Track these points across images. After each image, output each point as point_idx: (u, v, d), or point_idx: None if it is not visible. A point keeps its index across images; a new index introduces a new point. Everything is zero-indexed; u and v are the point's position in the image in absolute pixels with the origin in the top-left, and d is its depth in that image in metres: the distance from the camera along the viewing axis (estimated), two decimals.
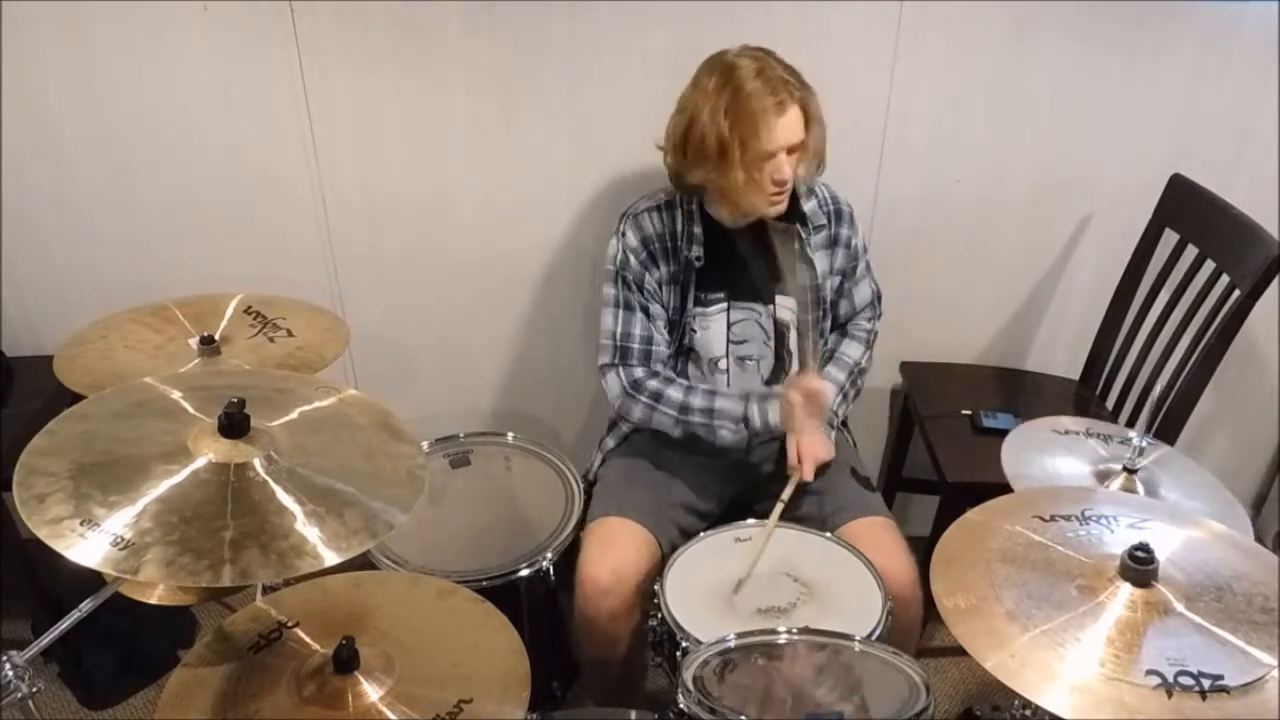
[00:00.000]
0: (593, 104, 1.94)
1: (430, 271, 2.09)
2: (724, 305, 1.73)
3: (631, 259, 1.71)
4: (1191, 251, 1.91)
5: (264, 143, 1.92)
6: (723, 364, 1.75)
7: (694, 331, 1.74)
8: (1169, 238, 1.97)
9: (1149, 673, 1.01)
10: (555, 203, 2.03)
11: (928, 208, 2.08)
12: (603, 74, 1.91)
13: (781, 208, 1.65)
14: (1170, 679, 1.00)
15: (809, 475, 1.69)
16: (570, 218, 2.05)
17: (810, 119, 1.59)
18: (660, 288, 1.73)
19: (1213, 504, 1.43)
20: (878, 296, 1.90)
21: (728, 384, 1.77)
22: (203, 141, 1.91)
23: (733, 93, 1.54)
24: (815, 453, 1.71)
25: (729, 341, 1.75)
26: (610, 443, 1.87)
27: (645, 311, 1.73)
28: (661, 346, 1.74)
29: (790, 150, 1.57)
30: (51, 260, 2.01)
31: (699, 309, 1.73)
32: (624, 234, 1.72)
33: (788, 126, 1.55)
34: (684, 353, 1.77)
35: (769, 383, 1.78)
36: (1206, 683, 0.99)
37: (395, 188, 1.99)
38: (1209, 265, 1.86)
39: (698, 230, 1.71)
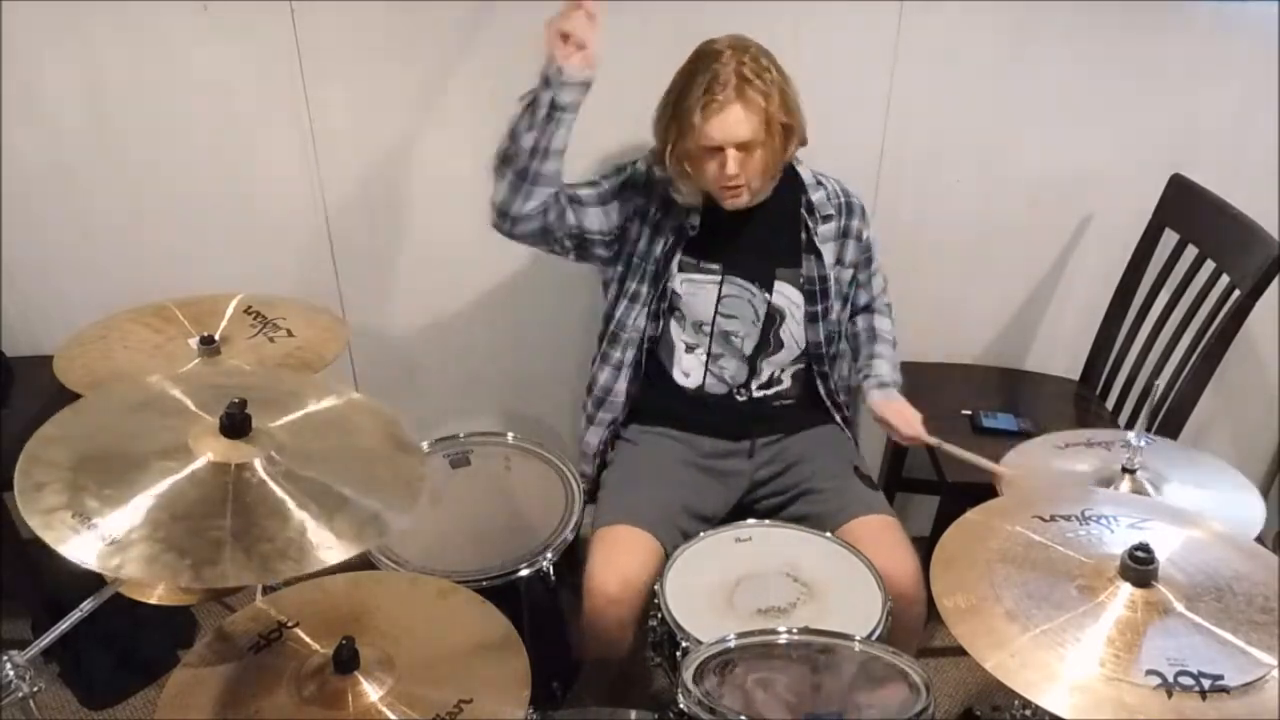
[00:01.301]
0: (594, 104, 1.93)
1: (430, 271, 2.09)
2: (718, 277, 1.73)
3: (627, 169, 1.74)
4: (1191, 251, 1.91)
5: (264, 143, 1.92)
6: (706, 328, 1.76)
7: (678, 294, 1.74)
8: (1169, 238, 1.97)
9: (1149, 673, 1.01)
10: None
11: (928, 207, 2.09)
12: (604, 74, 1.90)
13: (738, 202, 1.65)
14: (1170, 679, 1.00)
15: (924, 433, 1.72)
16: None
17: (767, 120, 1.57)
18: (635, 221, 1.73)
19: (1223, 490, 1.43)
20: (885, 280, 1.94)
21: (709, 349, 1.77)
22: (203, 142, 1.91)
23: (683, 81, 1.59)
24: (913, 417, 1.74)
25: (717, 313, 1.75)
26: (607, 416, 1.84)
27: (598, 197, 1.72)
28: (579, 217, 1.71)
29: (740, 147, 1.57)
30: (51, 260, 2.01)
31: (685, 274, 1.74)
32: (636, 162, 1.74)
33: (724, 125, 1.56)
34: (670, 313, 1.77)
35: (750, 359, 1.78)
36: (1206, 683, 0.99)
37: (395, 188, 1.99)
38: (1209, 265, 1.87)
39: (697, 201, 1.71)
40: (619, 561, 1.60)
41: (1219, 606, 1.08)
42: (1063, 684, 1.01)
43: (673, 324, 1.78)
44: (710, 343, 1.77)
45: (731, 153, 1.57)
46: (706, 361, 1.78)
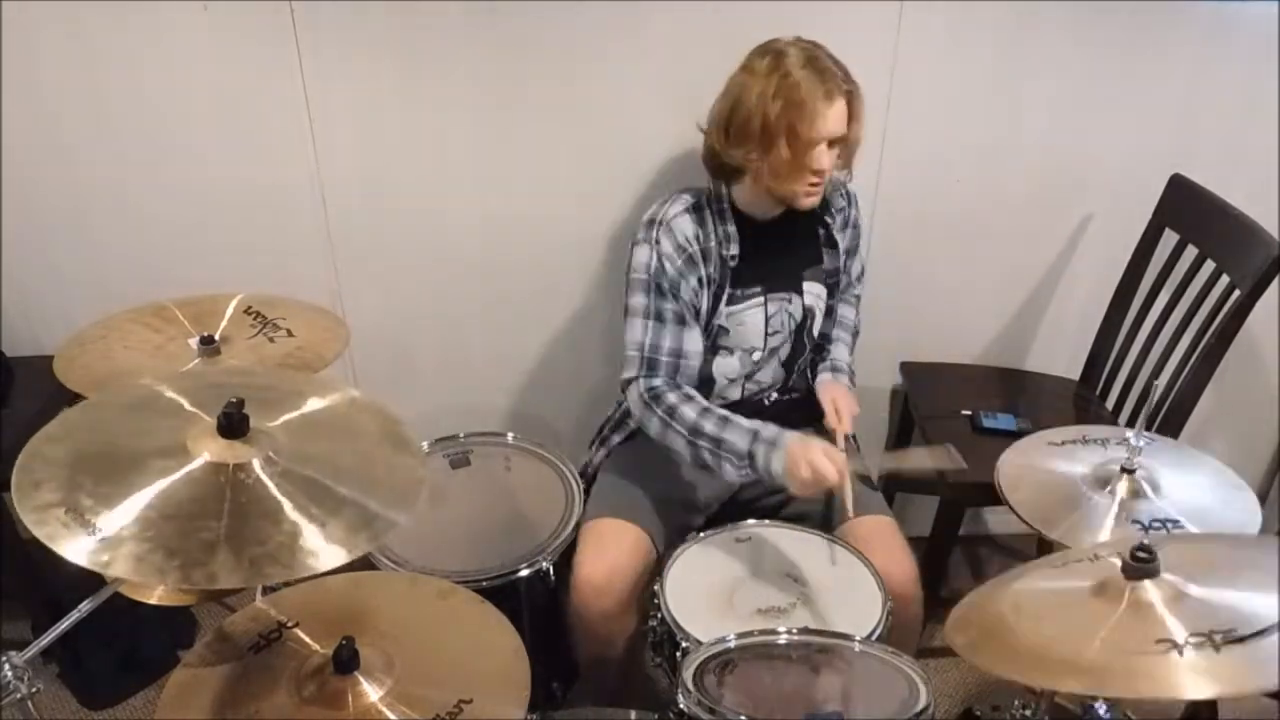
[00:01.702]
0: (593, 103, 1.94)
1: (431, 271, 2.09)
2: (760, 299, 1.73)
3: (668, 266, 1.65)
4: (1191, 251, 1.91)
5: (264, 143, 1.92)
6: (757, 355, 1.75)
7: (725, 330, 1.73)
8: (1169, 238, 1.97)
9: (1160, 641, 0.99)
10: (556, 202, 2.03)
11: (928, 207, 2.09)
12: (604, 74, 1.91)
13: (816, 199, 1.64)
14: (1182, 642, 0.99)
15: (850, 428, 1.72)
16: (571, 217, 2.05)
17: (854, 115, 1.60)
18: (696, 294, 1.69)
19: (1219, 493, 1.42)
20: (863, 269, 1.95)
21: (751, 373, 1.77)
22: (203, 141, 1.91)
23: (783, 77, 1.55)
24: (851, 407, 1.76)
25: (766, 334, 1.75)
26: (616, 439, 1.86)
27: (680, 321, 1.67)
28: (692, 360, 1.68)
29: (832, 142, 1.58)
30: (51, 260, 2.01)
31: (730, 306, 1.72)
32: (658, 241, 1.66)
33: (834, 117, 1.56)
34: (715, 351, 1.75)
35: (786, 365, 1.79)
36: (1219, 637, 0.98)
37: (395, 187, 1.99)
38: (1209, 265, 1.87)
39: (731, 229, 1.69)
40: (606, 553, 1.61)
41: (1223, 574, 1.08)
42: (1076, 668, 1.00)
43: (718, 360, 1.76)
44: (758, 370, 1.77)
45: (824, 147, 1.57)
46: (744, 383, 1.79)
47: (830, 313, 1.82)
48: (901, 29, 1.90)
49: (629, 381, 1.68)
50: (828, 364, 1.86)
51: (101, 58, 1.83)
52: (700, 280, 1.68)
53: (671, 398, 1.64)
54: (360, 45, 1.85)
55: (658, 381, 1.66)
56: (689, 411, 1.62)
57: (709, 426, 1.60)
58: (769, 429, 1.58)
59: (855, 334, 1.94)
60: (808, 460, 1.49)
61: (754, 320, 1.73)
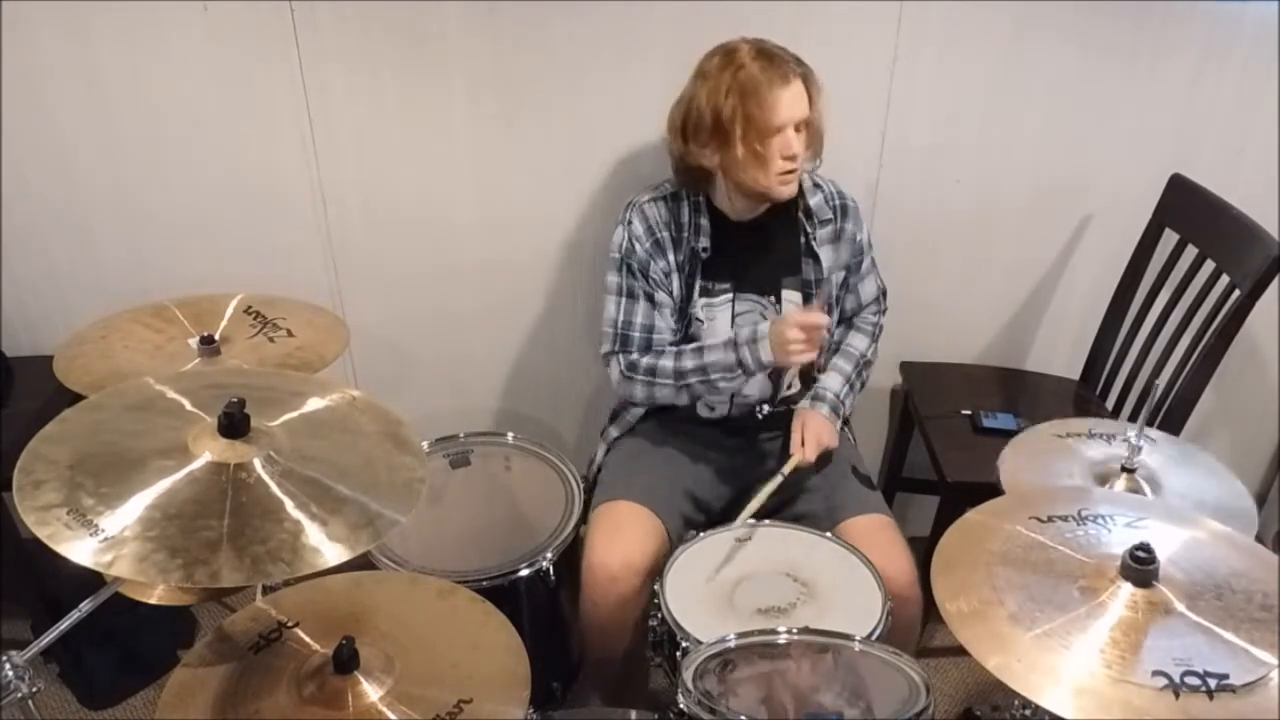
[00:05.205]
0: (593, 104, 1.94)
1: (430, 271, 2.09)
2: (729, 296, 1.73)
3: (637, 246, 1.71)
4: (1191, 251, 1.91)
5: (264, 143, 1.92)
6: None
7: (700, 321, 1.74)
8: (1169, 238, 1.97)
9: (1155, 673, 1.00)
10: (555, 202, 2.03)
11: (927, 207, 2.09)
12: (603, 74, 1.91)
13: (792, 189, 1.64)
14: (1177, 679, 0.99)
15: (811, 457, 1.69)
16: (570, 217, 2.05)
17: (813, 97, 1.60)
18: (665, 276, 1.72)
19: (1218, 493, 1.43)
20: (883, 292, 1.91)
21: None
22: (203, 142, 1.91)
23: (735, 70, 1.56)
24: (819, 436, 1.72)
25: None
26: (614, 432, 1.88)
27: (650, 299, 1.72)
28: (665, 334, 1.73)
29: (797, 127, 1.58)
30: (51, 260, 2.01)
31: (704, 299, 1.73)
32: (630, 222, 1.72)
33: (793, 101, 1.56)
34: (689, 342, 1.76)
35: (771, 376, 1.78)
36: (1213, 682, 0.99)
37: (395, 188, 1.99)
38: (1209, 265, 1.87)
39: (704, 222, 1.71)
40: (620, 540, 1.60)
41: (1219, 605, 1.08)
42: (1069, 686, 1.01)
43: None
44: None
45: (790, 133, 1.58)
46: (732, 396, 1.78)
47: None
48: (901, 29, 1.90)
49: (607, 356, 1.76)
50: (812, 391, 1.82)
51: (101, 58, 1.83)
52: (668, 265, 1.71)
53: (646, 361, 1.72)
54: (360, 46, 1.85)
55: (634, 355, 1.73)
56: (666, 363, 1.71)
57: (689, 363, 1.69)
58: (742, 332, 1.67)
59: (862, 365, 1.87)
60: (792, 323, 1.57)
61: (722, 318, 1.74)
